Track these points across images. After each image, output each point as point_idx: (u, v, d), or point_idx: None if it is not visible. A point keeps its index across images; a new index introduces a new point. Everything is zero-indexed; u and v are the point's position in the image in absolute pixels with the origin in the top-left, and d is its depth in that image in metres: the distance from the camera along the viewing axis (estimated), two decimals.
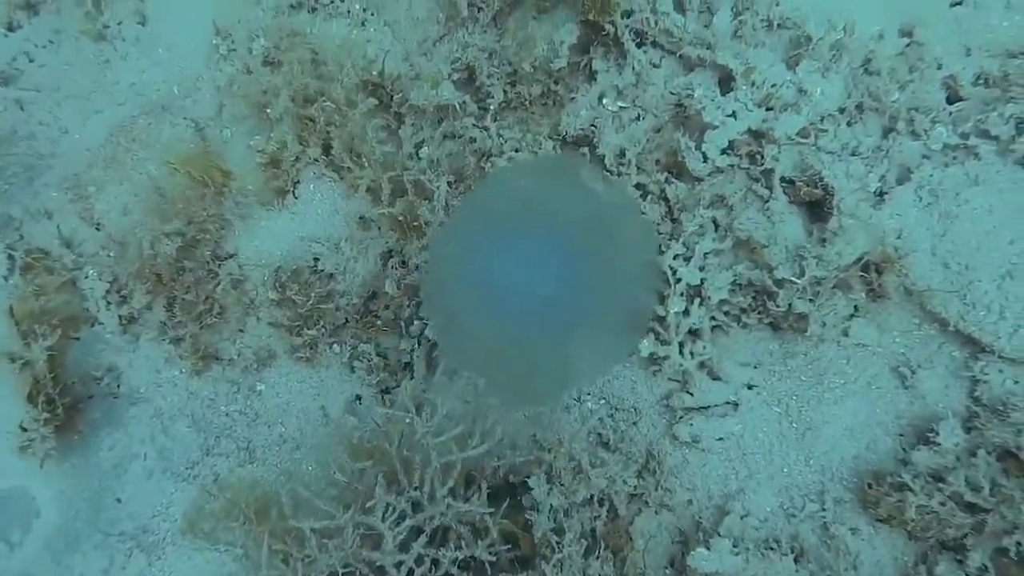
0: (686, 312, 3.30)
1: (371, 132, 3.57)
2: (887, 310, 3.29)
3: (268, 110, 3.74)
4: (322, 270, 3.75)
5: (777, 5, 3.53)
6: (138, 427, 3.84)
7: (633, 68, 3.54)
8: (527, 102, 3.79)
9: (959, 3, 3.33)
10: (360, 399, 3.79)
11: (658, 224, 3.45)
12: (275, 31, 3.83)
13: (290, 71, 3.66)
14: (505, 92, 3.73)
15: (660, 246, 3.33)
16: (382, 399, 3.70)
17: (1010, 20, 3.22)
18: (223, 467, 3.75)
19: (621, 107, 3.65)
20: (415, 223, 3.66)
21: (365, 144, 3.60)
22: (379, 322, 3.75)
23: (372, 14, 3.95)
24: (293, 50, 3.71)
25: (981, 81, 3.22)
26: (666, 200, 3.47)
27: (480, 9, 3.89)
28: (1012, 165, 3.01)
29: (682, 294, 3.29)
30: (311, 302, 3.61)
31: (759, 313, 3.35)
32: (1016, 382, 3.04)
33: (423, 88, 3.58)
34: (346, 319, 3.75)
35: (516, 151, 3.72)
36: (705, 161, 3.34)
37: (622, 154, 3.56)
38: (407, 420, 3.03)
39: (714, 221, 3.39)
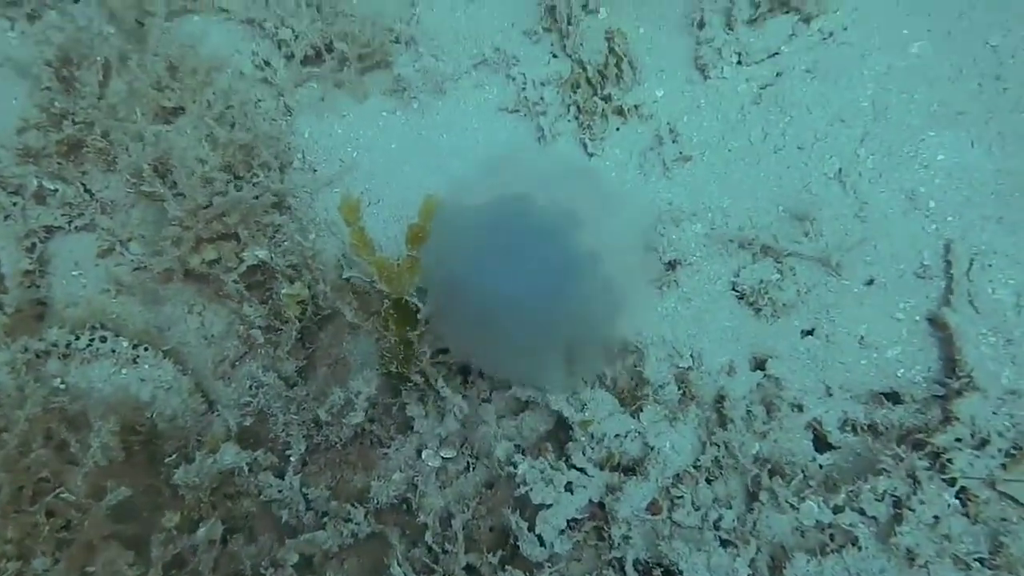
0: None
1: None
2: None
3: None
4: None
5: None
6: None
7: (455, 415, 2.90)
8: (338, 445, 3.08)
9: (810, 332, 2.90)
10: None
11: None
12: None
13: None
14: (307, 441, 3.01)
15: None
16: None
17: (867, 358, 2.79)
18: None
19: (445, 458, 2.97)
20: None
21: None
22: None
23: (146, 348, 3.21)
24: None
25: (848, 428, 2.73)
26: None
27: (279, 331, 3.24)
28: (899, 561, 2.47)
29: None
30: None
31: None
32: None
33: (200, 462, 2.78)
34: None
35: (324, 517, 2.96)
36: (543, 545, 2.66)
37: (448, 521, 2.84)
38: None
39: None
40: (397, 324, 2.62)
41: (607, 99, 3.38)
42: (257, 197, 3.22)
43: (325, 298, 3.05)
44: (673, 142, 3.33)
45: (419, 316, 2.65)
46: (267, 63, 3.64)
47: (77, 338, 3.09)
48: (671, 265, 3.05)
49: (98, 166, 3.39)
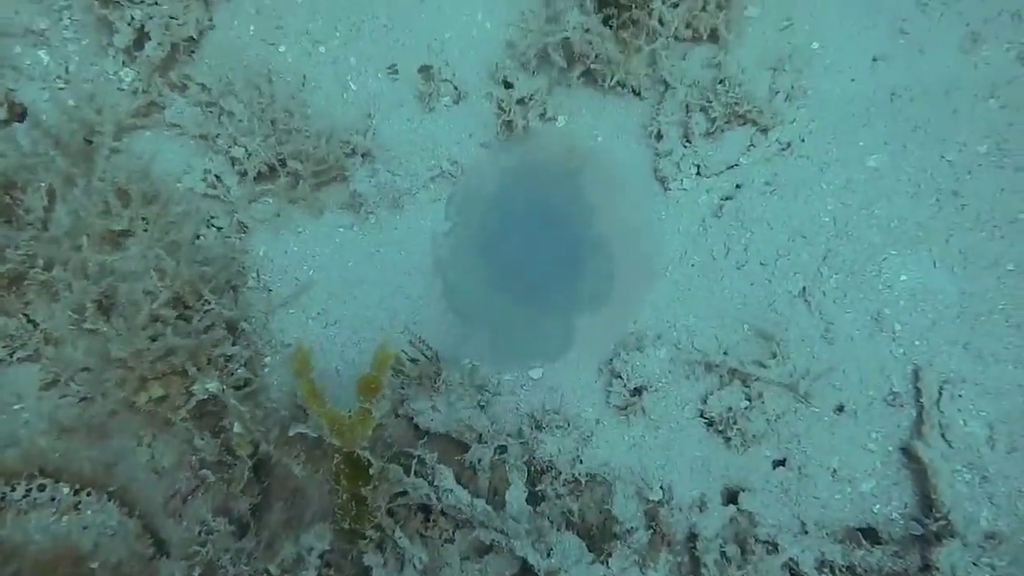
0: None
1: None
2: None
3: None
4: None
5: (580, 463, 2.88)
6: None
7: (415, 565, 2.73)
8: None
9: (782, 463, 2.79)
10: None
11: None
12: None
13: None
14: None
15: None
16: None
17: (841, 492, 2.68)
18: None
19: None
20: None
21: None
22: None
23: (88, 492, 3.01)
24: None
25: (826, 570, 2.60)
26: None
27: (232, 466, 3.07)
28: None
29: None
30: None
31: None
32: None
33: None
34: None
35: None
36: None
37: None
38: None
39: None
40: (349, 480, 2.47)
41: None
42: (208, 329, 3.08)
43: (270, 454, 2.88)
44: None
45: (371, 472, 2.49)
46: (219, 179, 3.53)
47: (13, 489, 2.89)
48: (637, 391, 2.94)
49: (42, 297, 3.24)
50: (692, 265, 3.17)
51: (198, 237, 3.40)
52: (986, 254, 2.82)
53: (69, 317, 3.03)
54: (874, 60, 3.30)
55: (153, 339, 2.81)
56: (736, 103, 3.16)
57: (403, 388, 3.04)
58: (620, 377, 2.92)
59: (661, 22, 3.24)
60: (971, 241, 2.87)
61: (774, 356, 2.87)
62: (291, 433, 2.50)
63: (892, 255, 2.92)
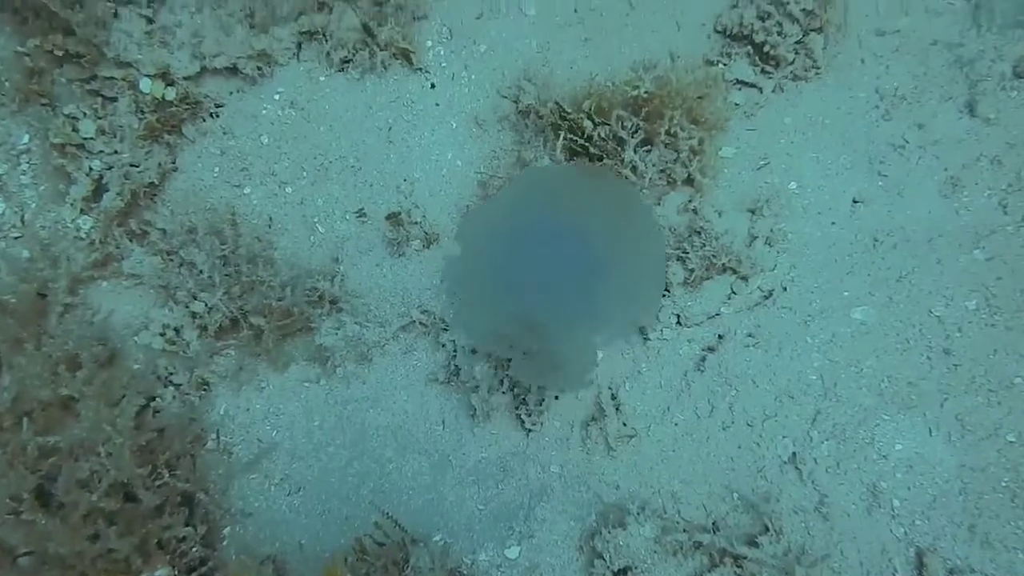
0: None
1: None
2: None
3: None
4: None
5: None
6: None
7: None
8: None
9: None
10: None
11: None
12: None
13: None
14: None
15: None
16: None
17: None
18: None
19: None
20: None
21: None
22: None
23: None
24: None
25: None
26: None
27: None
28: None
29: None
30: None
31: None
32: None
33: None
34: None
35: None
36: None
37: None
38: None
39: None
40: None
41: None
42: (159, 508, 2.85)
43: None
44: (617, 410, 3.07)
45: None
46: (179, 333, 3.35)
47: None
48: (621, 572, 2.71)
49: None
50: (675, 424, 2.99)
51: (153, 399, 3.20)
52: (984, 422, 2.66)
53: (5, 504, 2.79)
54: (854, 202, 3.19)
55: (94, 538, 2.57)
56: (714, 255, 3.04)
57: None
58: (602, 557, 2.70)
59: (634, 171, 3.15)
60: (967, 406, 2.71)
61: (767, 530, 2.67)
62: None
63: (885, 420, 2.75)
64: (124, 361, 3.26)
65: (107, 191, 3.39)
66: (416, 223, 3.46)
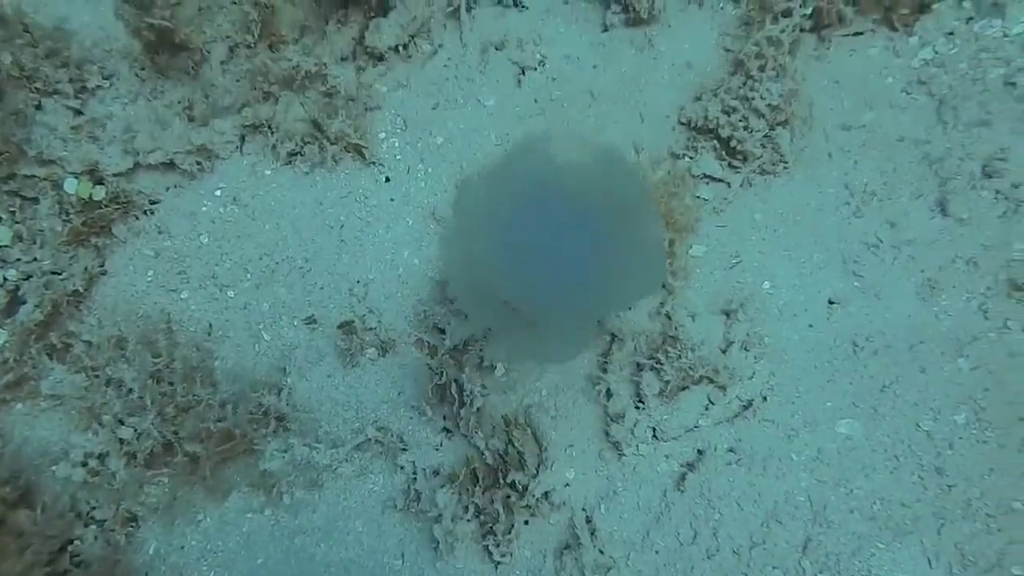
0: None
1: None
2: None
3: None
4: None
5: None
6: None
7: None
8: None
9: None
10: None
11: None
12: None
13: None
14: None
15: None
16: None
17: None
18: None
19: None
20: None
21: None
22: None
23: None
24: None
25: None
26: None
27: None
28: None
29: None
30: None
31: None
32: None
33: None
34: None
35: None
36: None
37: None
38: None
39: None
40: None
41: (512, 487, 2.87)
42: None
43: None
44: (592, 535, 2.82)
45: None
46: (103, 462, 2.98)
47: None
48: None
49: None
50: (656, 552, 2.74)
51: (71, 542, 2.82)
52: (986, 551, 2.48)
53: None
54: (830, 303, 3.05)
55: None
56: (690, 367, 2.85)
57: None
58: None
59: None
60: (966, 533, 2.53)
61: None
62: None
63: (880, 548, 2.55)
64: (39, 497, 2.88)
65: (24, 303, 3.06)
66: (371, 329, 3.19)
